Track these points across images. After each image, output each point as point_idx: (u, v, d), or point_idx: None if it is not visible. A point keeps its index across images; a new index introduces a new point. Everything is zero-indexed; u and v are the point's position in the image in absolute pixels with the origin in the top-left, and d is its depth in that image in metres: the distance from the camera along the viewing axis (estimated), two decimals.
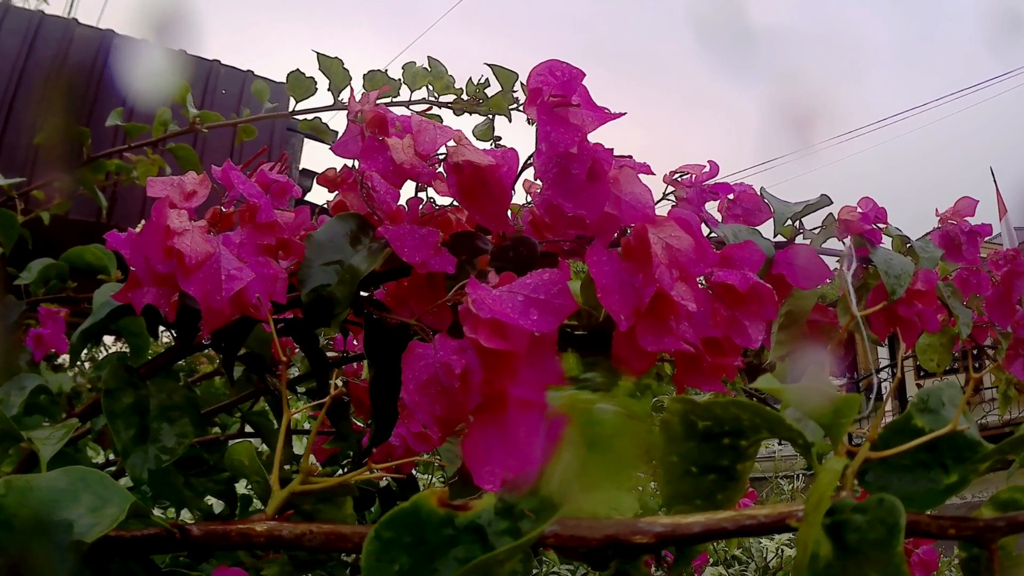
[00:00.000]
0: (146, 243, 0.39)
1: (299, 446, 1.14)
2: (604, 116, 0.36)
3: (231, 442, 0.71)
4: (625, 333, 0.36)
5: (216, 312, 0.36)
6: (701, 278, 0.42)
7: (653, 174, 0.42)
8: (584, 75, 0.35)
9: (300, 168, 2.35)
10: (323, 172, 0.49)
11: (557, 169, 0.35)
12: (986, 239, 0.76)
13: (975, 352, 0.87)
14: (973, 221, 0.74)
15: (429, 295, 0.41)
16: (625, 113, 0.36)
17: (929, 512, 0.26)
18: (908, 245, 0.68)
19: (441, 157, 0.40)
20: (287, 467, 1.02)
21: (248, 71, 2.39)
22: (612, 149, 0.36)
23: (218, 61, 2.42)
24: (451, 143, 0.38)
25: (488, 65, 0.69)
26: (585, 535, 0.23)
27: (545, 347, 0.34)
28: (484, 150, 0.39)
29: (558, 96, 0.35)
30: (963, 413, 0.29)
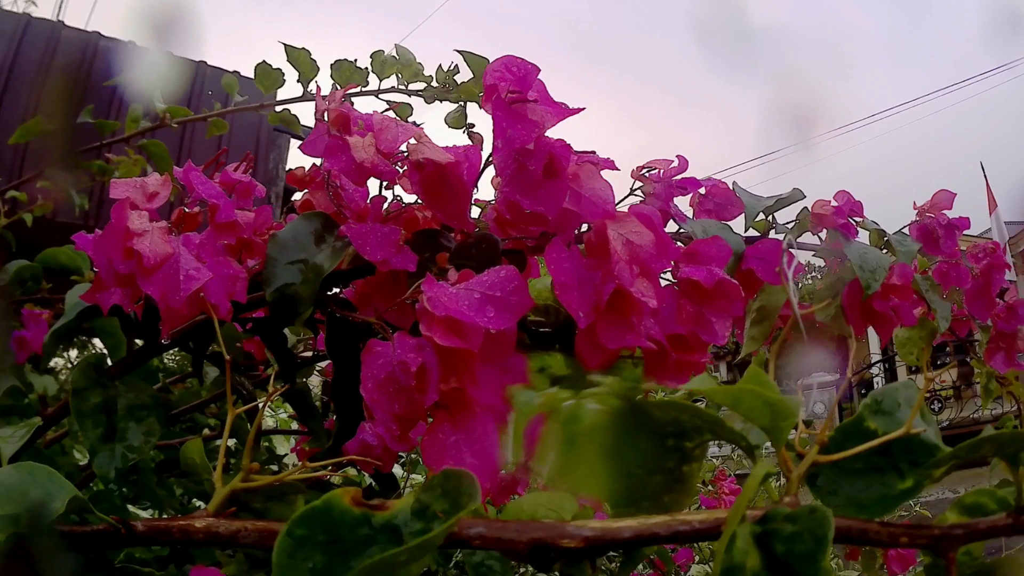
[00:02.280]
0: (108, 244, 0.39)
1: (284, 447, 1.14)
2: (563, 112, 0.36)
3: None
4: (586, 330, 0.36)
5: (174, 312, 0.35)
6: (668, 274, 0.42)
7: (618, 169, 0.41)
8: (539, 71, 0.35)
9: (287, 168, 2.34)
10: (291, 171, 0.49)
11: (515, 166, 0.35)
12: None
13: (958, 347, 0.87)
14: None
15: (393, 293, 0.41)
16: (584, 108, 0.36)
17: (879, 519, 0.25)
18: (885, 239, 0.67)
19: (406, 155, 0.40)
20: (272, 467, 1.02)
21: (235, 71, 2.38)
22: (570, 145, 0.36)
23: (204, 62, 2.41)
24: (412, 141, 0.38)
25: (458, 51, 0.67)
26: (512, 538, 0.22)
27: (504, 344, 0.34)
28: (446, 147, 0.39)
29: (515, 92, 0.35)
30: (921, 415, 0.29)
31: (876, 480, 0.27)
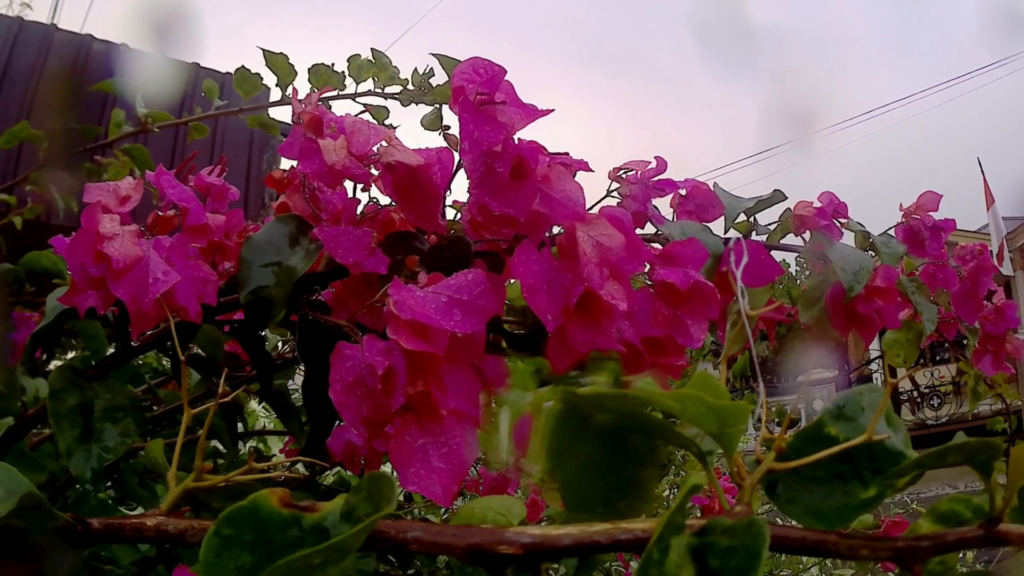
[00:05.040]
0: (80, 248, 0.39)
1: (277, 448, 1.14)
2: (532, 113, 0.36)
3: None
4: (556, 332, 0.36)
5: (144, 314, 0.35)
6: (644, 276, 0.42)
7: (592, 171, 0.41)
8: (506, 72, 0.35)
9: (281, 170, 2.34)
10: (270, 173, 0.49)
11: (483, 168, 0.35)
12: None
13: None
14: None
15: (366, 296, 0.41)
16: (553, 110, 0.36)
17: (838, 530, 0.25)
18: (870, 240, 0.67)
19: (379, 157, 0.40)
20: (261, 465, 1.02)
21: (228, 73, 2.38)
22: (542, 147, 0.36)
23: (198, 64, 2.41)
24: (383, 144, 0.38)
25: (433, 55, 0.67)
26: (449, 542, 0.22)
27: (471, 348, 0.34)
28: (418, 150, 0.39)
29: (483, 94, 0.35)
30: (887, 420, 0.28)
31: (838, 488, 0.26)
